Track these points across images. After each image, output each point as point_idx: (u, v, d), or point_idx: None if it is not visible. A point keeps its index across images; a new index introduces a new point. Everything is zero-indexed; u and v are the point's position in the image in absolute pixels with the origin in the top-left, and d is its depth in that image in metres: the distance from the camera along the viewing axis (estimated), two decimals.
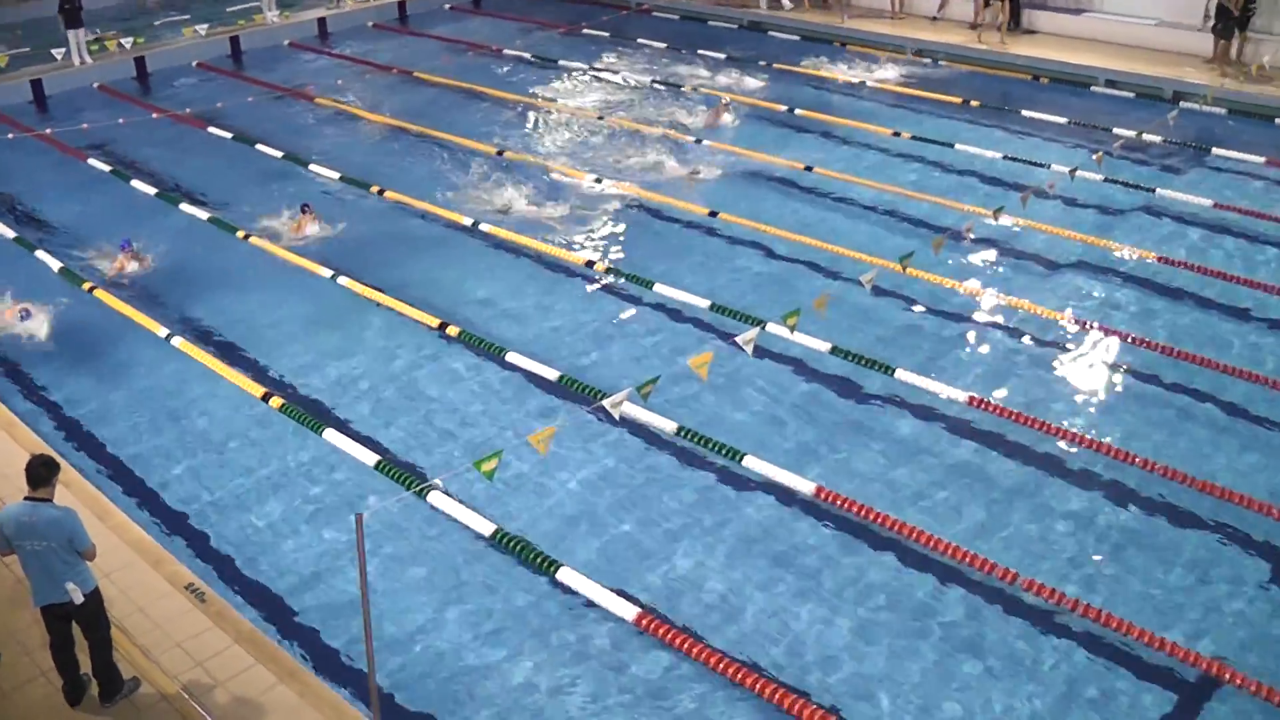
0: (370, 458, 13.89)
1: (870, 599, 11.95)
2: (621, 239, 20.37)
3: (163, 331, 16.86)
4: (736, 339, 12.31)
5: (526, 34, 35.00)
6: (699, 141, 24.72)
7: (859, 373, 15.76)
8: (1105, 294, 18.07)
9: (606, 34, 34.42)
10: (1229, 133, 24.94)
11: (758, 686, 10.60)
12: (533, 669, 11.06)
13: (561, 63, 31.48)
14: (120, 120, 26.64)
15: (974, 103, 27.19)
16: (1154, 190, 21.49)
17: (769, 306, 17.01)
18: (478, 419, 15.12)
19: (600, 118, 26.77)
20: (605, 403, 10.79)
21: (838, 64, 30.78)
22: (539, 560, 12.23)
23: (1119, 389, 15.69)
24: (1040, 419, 14.56)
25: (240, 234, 20.29)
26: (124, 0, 38.90)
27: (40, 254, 19.78)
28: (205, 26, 32.95)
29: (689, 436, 14.28)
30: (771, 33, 34.22)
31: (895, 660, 11.18)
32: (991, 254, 19.46)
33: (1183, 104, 24.01)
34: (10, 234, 20.86)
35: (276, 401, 15.06)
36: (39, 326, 17.23)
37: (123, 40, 31.00)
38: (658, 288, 18.04)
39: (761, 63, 30.65)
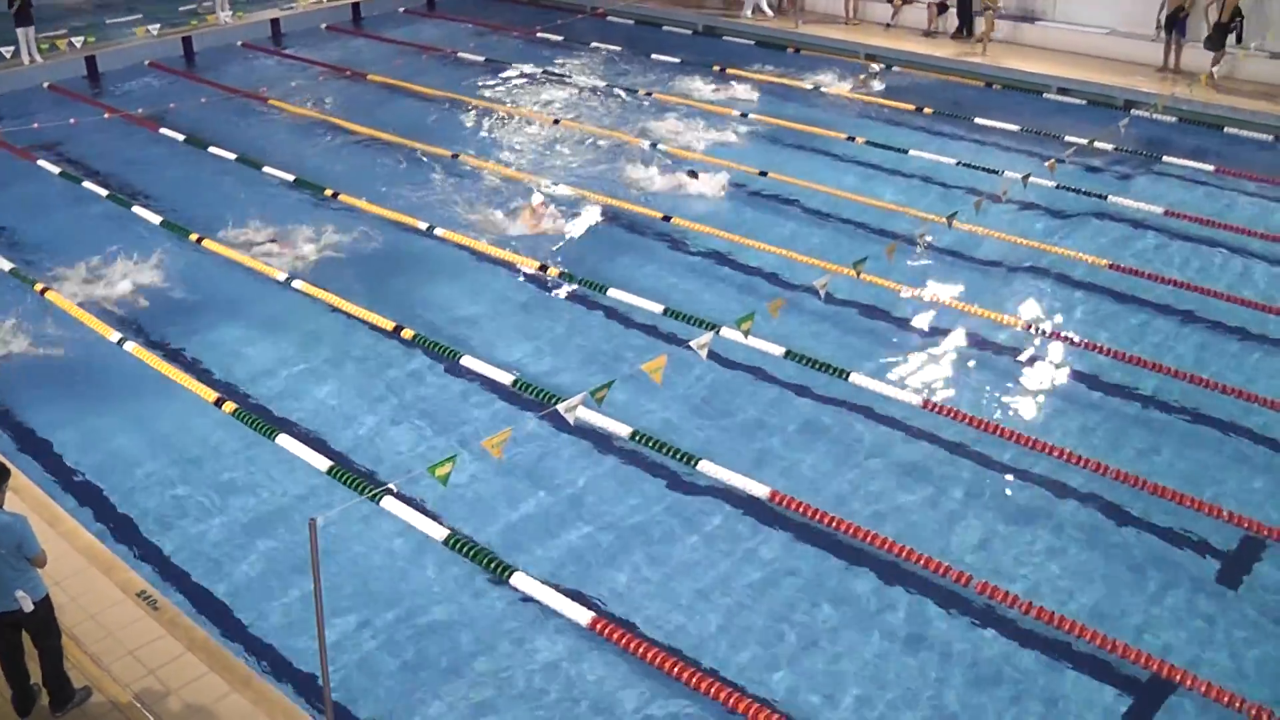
0: (323, 463, 13.83)
1: (824, 602, 12.03)
2: (574, 243, 20.36)
3: (114, 336, 16.70)
4: (691, 344, 12.33)
5: (480, 37, 34.95)
6: (654, 146, 24.75)
7: (813, 377, 15.83)
8: (1057, 299, 18.28)
9: (560, 38, 34.39)
10: (1179, 141, 25.24)
11: (713, 691, 10.62)
12: (487, 674, 11.05)
13: (516, 66, 31.45)
14: (71, 120, 26.36)
15: (927, 109, 27.37)
16: (1105, 197, 21.73)
17: (723, 311, 17.05)
18: (433, 423, 15.09)
19: (555, 121, 26.77)
20: (560, 407, 10.79)
21: (791, 69, 30.88)
22: (493, 565, 12.21)
23: (1070, 392, 15.87)
24: (993, 421, 14.73)
25: (193, 237, 20.13)
26: None
27: None
28: (157, 26, 32.66)
29: (643, 441, 14.30)
30: (726, 38, 34.28)
31: (850, 663, 11.26)
32: (945, 260, 19.60)
33: (1134, 112, 24.25)
34: None
35: (229, 406, 14.95)
36: None
37: (73, 39, 30.66)
38: (612, 292, 18.04)
39: (715, 67, 30.72)
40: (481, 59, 32.18)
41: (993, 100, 28.43)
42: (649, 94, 28.63)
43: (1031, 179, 19.58)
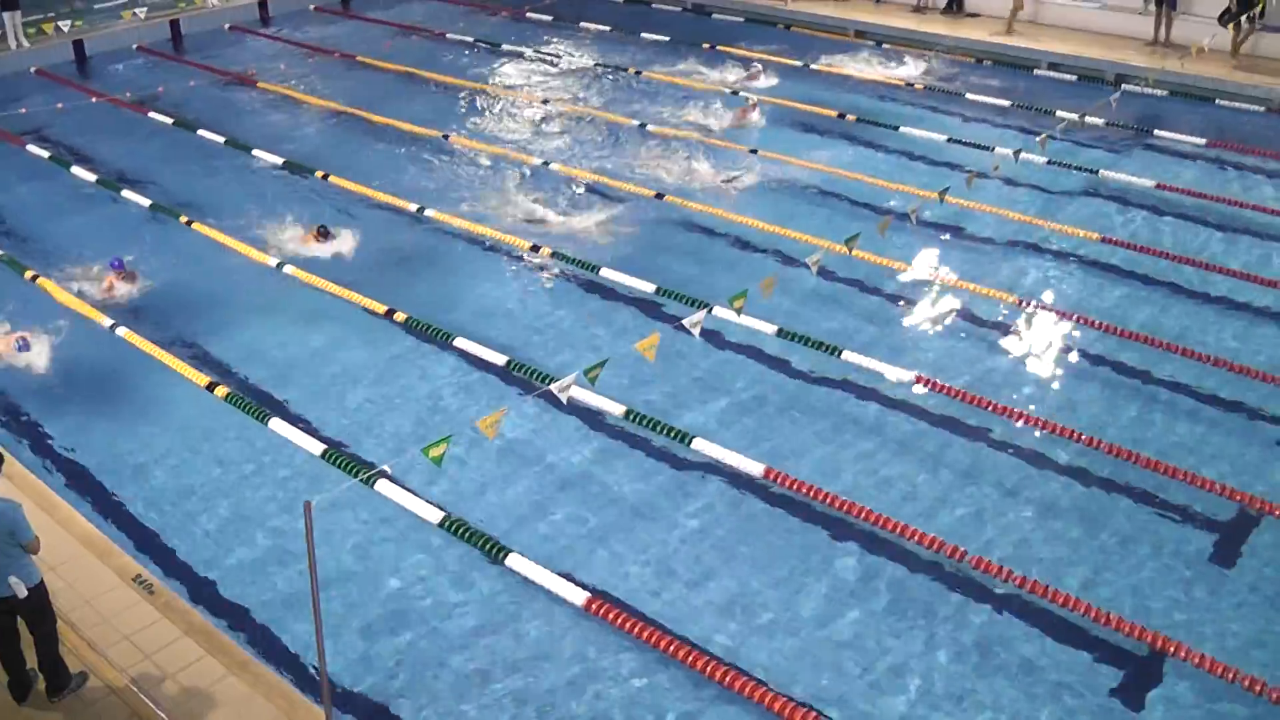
0: (317, 446, 13.82)
1: (817, 577, 12.07)
2: (567, 223, 20.34)
3: (106, 322, 16.65)
4: (683, 322, 12.33)
5: (469, 17, 34.83)
6: (643, 126, 24.70)
7: (806, 354, 15.85)
8: (1049, 274, 18.30)
9: (550, 18, 34.29)
10: (1171, 114, 25.24)
11: (709, 669, 10.67)
12: (483, 655, 11.06)
13: (505, 47, 31.37)
14: (59, 105, 26.24)
15: (918, 86, 27.33)
16: (1097, 172, 21.74)
17: (715, 289, 17.05)
18: (425, 404, 15.09)
19: (545, 102, 26.72)
20: (553, 387, 10.78)
21: (781, 46, 30.78)
22: (488, 546, 12.23)
23: (1062, 366, 15.90)
24: (986, 397, 14.75)
25: (182, 219, 20.06)
26: None
27: None
28: (144, 9, 32.48)
29: (637, 420, 14.30)
30: (715, 15, 34.22)
31: (844, 636, 11.30)
32: (937, 235, 19.60)
33: (1125, 86, 24.24)
34: None
35: (222, 391, 14.92)
36: None
37: (60, 24, 30.48)
38: (604, 271, 18.03)
39: (705, 45, 30.64)
40: (471, 39, 32.07)
41: (984, 76, 28.39)
42: (639, 73, 28.57)
43: (1023, 155, 19.56)
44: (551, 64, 30.01)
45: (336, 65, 30.08)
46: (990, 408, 14.56)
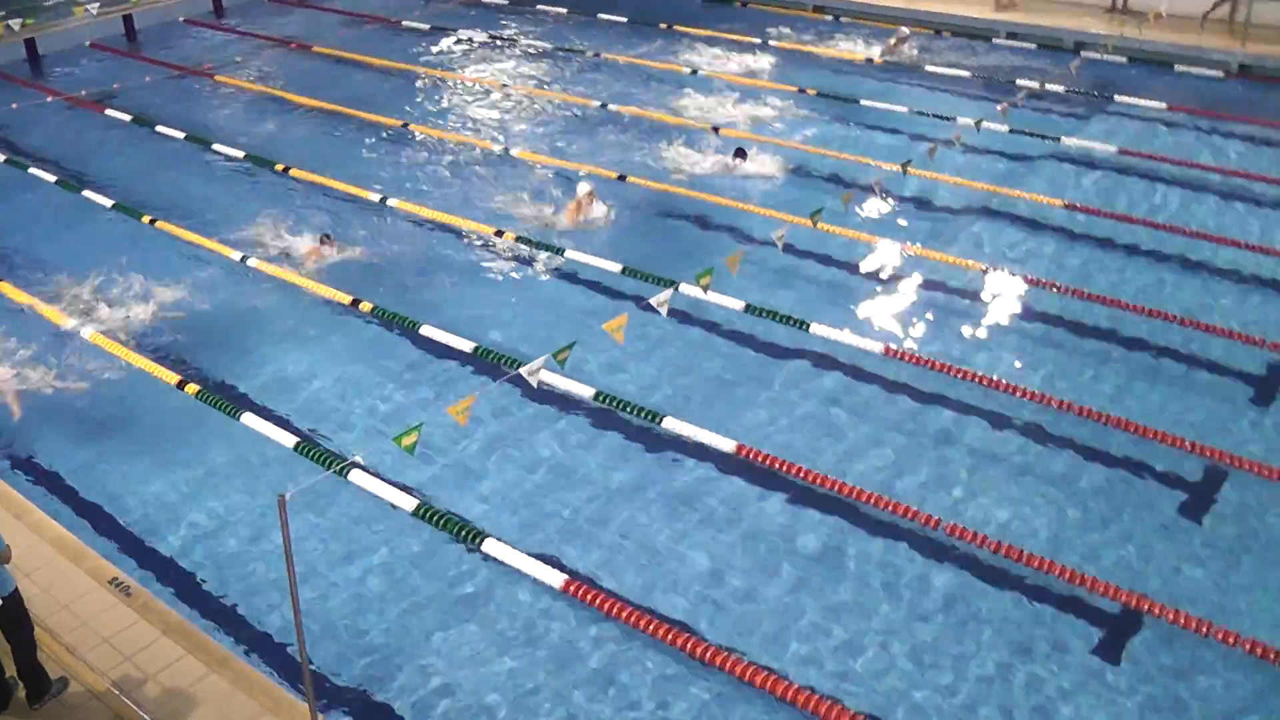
0: (289, 440, 13.77)
1: (792, 550, 12.13)
2: (529, 205, 20.30)
3: (70, 323, 16.52)
4: (650, 301, 12.33)
5: (424, 4, 34.62)
6: (603, 106, 24.65)
7: (774, 329, 15.91)
8: (1014, 241, 18.43)
9: (505, 1, 34.15)
10: (1131, 80, 25.38)
11: (689, 647, 10.73)
12: (463, 641, 11.08)
13: (462, 32, 31.22)
14: (14, 105, 25.98)
15: (877, 59, 27.36)
16: (1059, 139, 21.86)
17: (681, 267, 17.06)
18: (394, 394, 15.06)
19: (504, 86, 26.63)
20: (522, 370, 10.78)
21: (738, 24, 30.76)
22: (464, 533, 12.23)
23: (1030, 331, 16.02)
24: (955, 364, 14.86)
25: (145, 219, 19.90)
26: None
27: None
28: (96, 5, 32.08)
29: (607, 401, 14.32)
30: None
31: (821, 607, 11.36)
32: (901, 207, 19.68)
33: (1084, 53, 24.35)
34: None
35: (192, 389, 14.84)
36: None
37: (10, 22, 30.08)
38: (569, 253, 18.02)
39: (662, 25, 30.58)
40: (427, 26, 31.91)
41: (942, 47, 28.44)
42: (597, 55, 28.51)
43: (985, 124, 19.63)
44: (509, 48, 29.89)
45: (292, 56, 29.88)
46: (960, 375, 14.66)
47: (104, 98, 26.43)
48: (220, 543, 12.51)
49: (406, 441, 9.50)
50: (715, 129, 23.01)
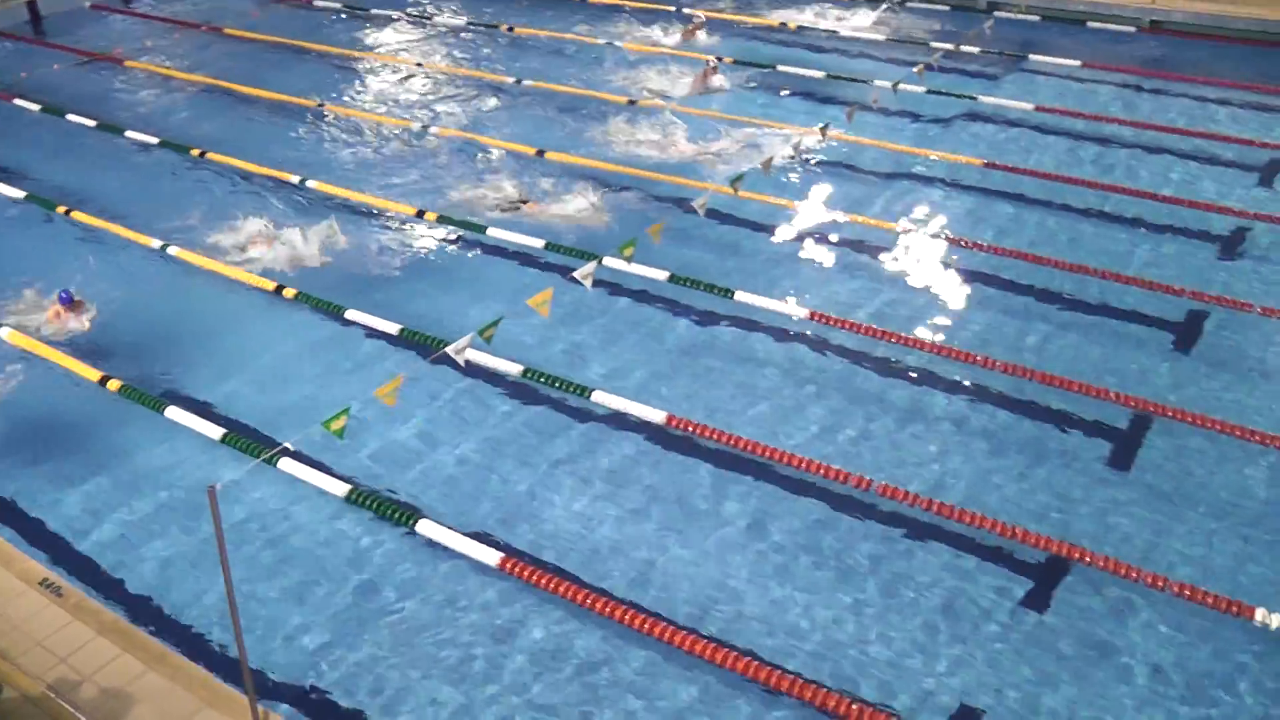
0: (216, 431, 13.64)
1: (731, 517, 12.23)
2: (447, 182, 20.21)
3: None
4: (574, 274, 12.33)
5: None
6: (518, 81, 24.55)
7: (700, 298, 15.97)
8: (934, 201, 18.63)
9: None
10: (1044, 38, 25.70)
11: (626, 618, 10.81)
12: (403, 624, 11.07)
13: (375, 11, 30.90)
14: None
15: (790, 24, 27.43)
16: (976, 98, 22.08)
17: (603, 239, 17.05)
18: (319, 379, 14.96)
19: (419, 64, 26.43)
20: (449, 349, 10.75)
21: None
22: (397, 515, 12.20)
23: (955, 291, 16.23)
24: (882, 327, 15.03)
25: (61, 209, 19.56)
26: None
27: None
28: None
29: (535, 377, 14.32)
30: None
31: (761, 575, 11.47)
32: (822, 171, 19.79)
33: (997, 13, 24.58)
34: None
35: (115, 384, 14.64)
36: None
37: None
38: (491, 231, 17.95)
39: None
40: (338, 4, 31.56)
41: (856, 10, 28.57)
42: (511, 29, 28.40)
43: (901, 86, 19.77)
44: (426, 25, 29.67)
45: (204, 39, 29.44)
46: (887, 337, 14.83)
47: (11, 86, 25.89)
48: (151, 537, 12.37)
49: (335, 426, 9.45)
50: (631, 101, 22.99)
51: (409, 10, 30.89)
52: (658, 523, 12.25)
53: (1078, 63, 23.82)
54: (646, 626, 10.69)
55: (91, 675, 10.02)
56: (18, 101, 24.93)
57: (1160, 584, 10.87)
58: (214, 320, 16.38)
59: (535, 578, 11.28)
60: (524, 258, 17.40)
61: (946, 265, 16.76)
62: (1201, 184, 18.70)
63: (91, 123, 23.45)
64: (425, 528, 12.02)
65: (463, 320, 15.53)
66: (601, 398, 13.91)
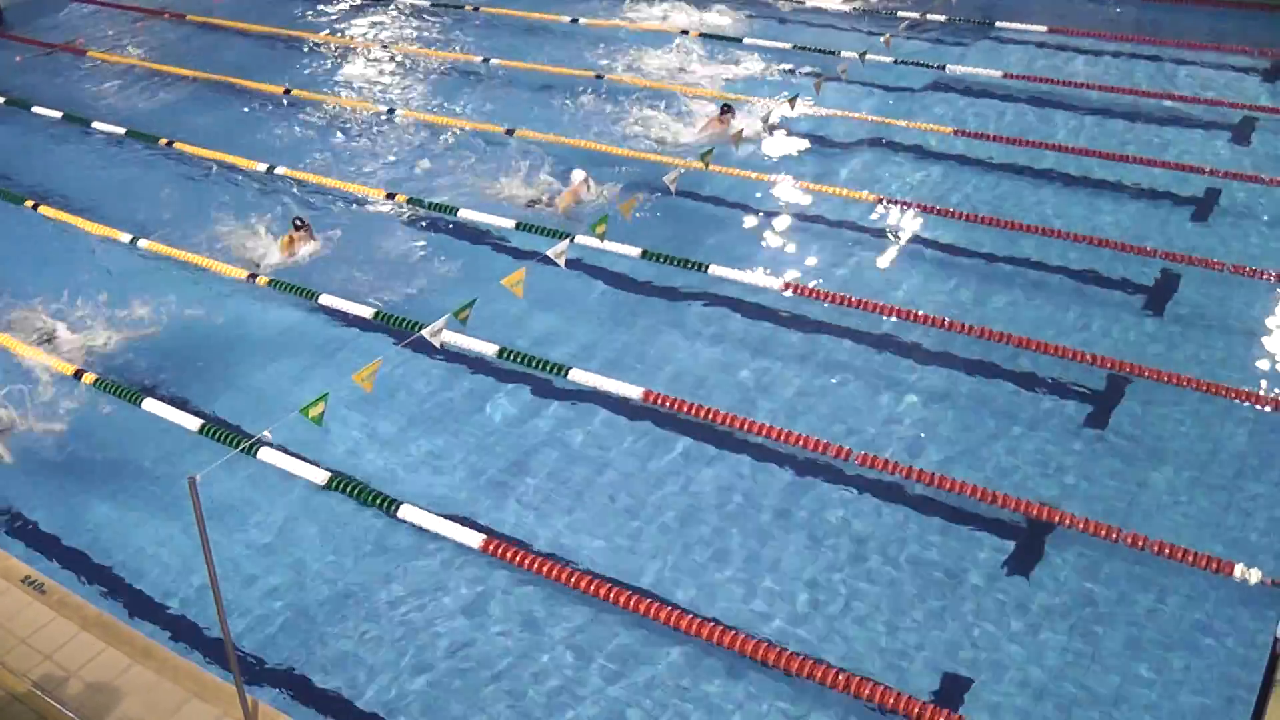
0: (194, 422, 13.59)
1: (709, 493, 12.28)
2: (416, 166, 20.18)
3: None
4: (548, 253, 12.32)
5: None
6: (485, 60, 24.45)
7: (673, 273, 15.98)
8: (904, 170, 18.65)
9: None
10: (1010, 5, 25.70)
11: (603, 592, 10.87)
12: (387, 610, 11.08)
13: None
14: None
15: None
16: (944, 67, 22.08)
17: (577, 217, 17.04)
18: (295, 365, 14.93)
19: (385, 46, 26.30)
20: (424, 332, 10.74)
21: None
22: (378, 501, 12.20)
23: (927, 259, 16.27)
24: (856, 296, 15.06)
25: (29, 203, 19.42)
26: None
27: None
28: None
29: (512, 357, 14.32)
30: None
31: (738, 545, 11.53)
32: (791, 143, 19.79)
33: None
34: None
35: (90, 377, 14.57)
36: None
37: None
38: (462, 213, 17.92)
39: None
40: None
41: None
42: (476, 9, 28.25)
43: (869, 56, 19.78)
44: (388, 7, 29.47)
45: (167, 26, 29.23)
46: (861, 306, 14.85)
47: None
48: (132, 530, 12.35)
49: (313, 413, 9.45)
50: (599, 76, 22.93)
51: None
52: (639, 496, 12.30)
53: (1044, 28, 23.82)
54: (632, 604, 10.75)
55: (77, 671, 10.01)
56: None
57: (1140, 543, 10.94)
58: (179, 307, 16.26)
59: (520, 558, 11.33)
60: (496, 237, 17.38)
61: (917, 233, 16.79)
62: (1173, 146, 18.76)
63: (57, 114, 23.24)
64: (407, 512, 12.04)
65: (439, 300, 15.52)
66: (579, 375, 13.93)
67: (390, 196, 18.70)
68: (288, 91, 23.67)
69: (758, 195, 18.11)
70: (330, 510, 12.38)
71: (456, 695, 10.18)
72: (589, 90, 22.46)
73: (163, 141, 21.54)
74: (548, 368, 14.10)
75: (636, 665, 10.32)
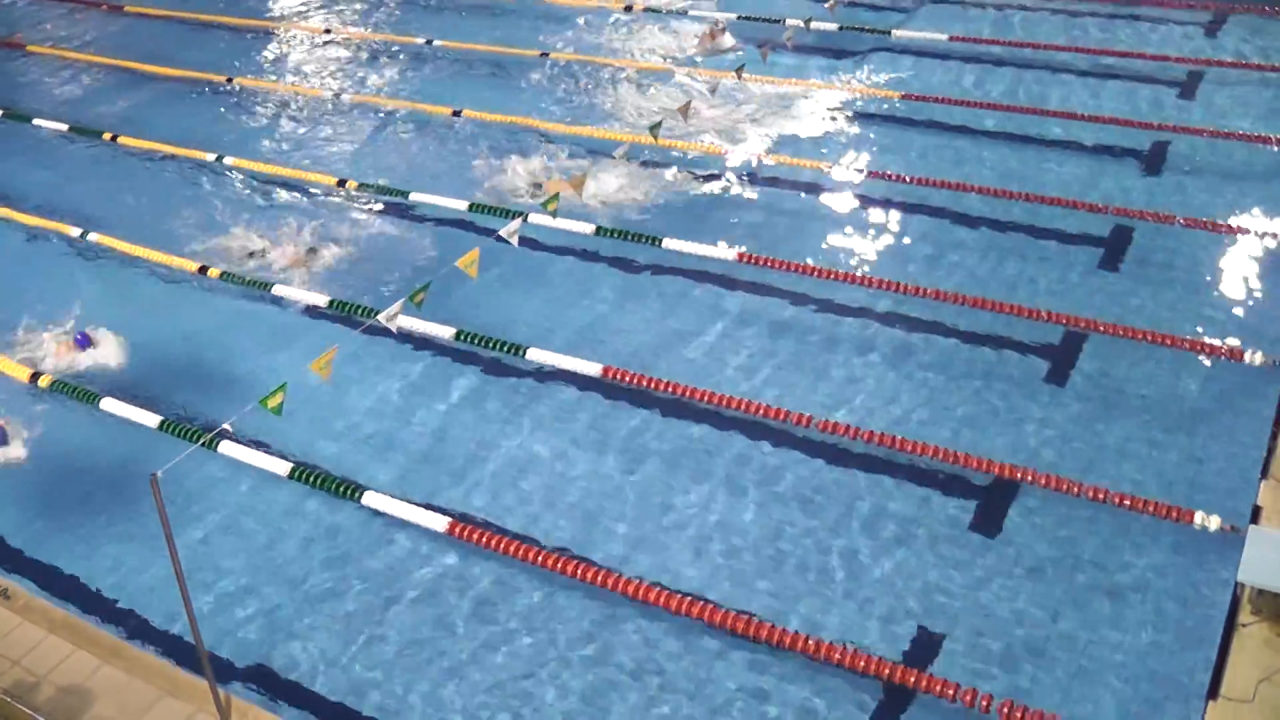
0: (153, 419, 13.49)
1: (672, 465, 12.36)
2: (367, 151, 20.07)
3: None
4: (500, 232, 12.28)
5: None
6: (428, 42, 24.26)
7: (627, 248, 16.00)
8: (854, 135, 18.71)
9: None
10: None
11: (577, 571, 10.91)
12: (355, 599, 11.07)
13: None
14: None
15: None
16: (889, 32, 22.07)
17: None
18: (253, 356, 14.84)
19: (327, 31, 26.03)
20: (380, 317, 10.68)
21: None
22: (342, 489, 12.16)
23: (882, 223, 16.38)
24: (812, 264, 15.13)
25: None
26: None
27: None
28: None
29: (469, 339, 14.30)
30: None
31: (708, 515, 11.60)
32: (739, 112, 19.76)
33: None
34: None
35: (45, 380, 14.41)
36: None
37: None
38: (414, 196, 17.85)
39: None
40: None
41: None
42: None
43: (814, 23, 19.79)
44: None
45: (105, 18, 28.81)
46: (814, 273, 14.94)
47: None
48: (95, 530, 12.24)
49: (272, 403, 9.38)
50: (544, 55, 22.82)
51: None
52: (602, 473, 12.34)
53: None
54: (599, 579, 10.77)
55: (47, 675, 9.94)
56: None
57: (1102, 496, 11.07)
58: (129, 301, 16.17)
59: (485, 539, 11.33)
60: (448, 219, 17.30)
61: (869, 198, 16.84)
62: (1121, 101, 18.86)
63: None
64: (372, 499, 12.03)
65: (393, 284, 15.43)
66: (537, 354, 13.94)
67: (341, 183, 18.56)
68: (230, 80, 23.39)
69: (708, 166, 18.13)
70: (293, 500, 12.34)
71: (423, 676, 10.22)
72: (535, 68, 22.35)
73: (106, 136, 21.25)
74: (504, 348, 14.07)
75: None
